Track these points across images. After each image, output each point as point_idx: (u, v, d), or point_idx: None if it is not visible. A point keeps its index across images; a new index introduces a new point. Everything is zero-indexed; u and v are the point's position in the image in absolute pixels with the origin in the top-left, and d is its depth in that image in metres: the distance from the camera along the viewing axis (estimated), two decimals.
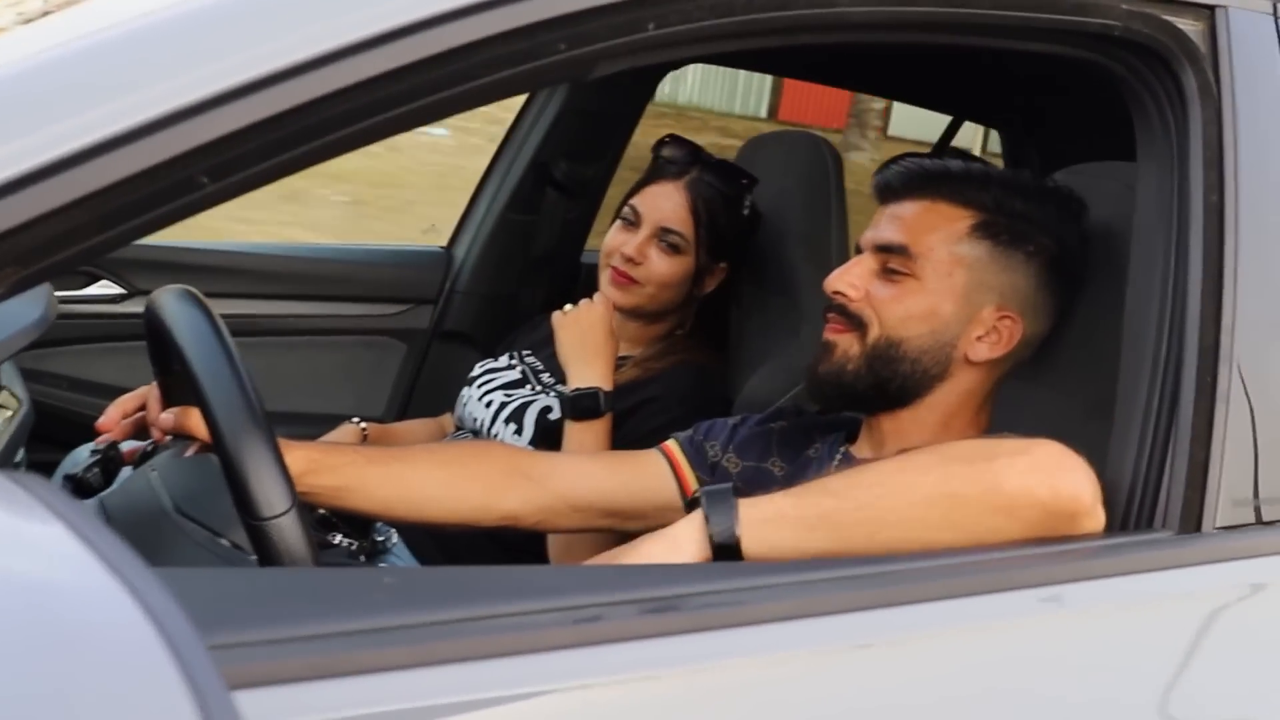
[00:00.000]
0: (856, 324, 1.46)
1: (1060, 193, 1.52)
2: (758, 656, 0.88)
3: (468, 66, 0.91)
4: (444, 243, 2.79)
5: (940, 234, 1.45)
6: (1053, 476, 1.11)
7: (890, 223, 1.48)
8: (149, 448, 1.42)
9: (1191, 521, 1.13)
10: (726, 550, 1.11)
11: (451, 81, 0.91)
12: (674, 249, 2.10)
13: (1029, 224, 1.47)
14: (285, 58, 0.84)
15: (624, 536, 1.34)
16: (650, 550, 1.13)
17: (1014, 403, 1.54)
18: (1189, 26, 1.26)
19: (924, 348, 1.44)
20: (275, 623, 0.79)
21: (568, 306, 2.05)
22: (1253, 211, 1.21)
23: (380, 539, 1.93)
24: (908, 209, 1.48)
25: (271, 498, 1.06)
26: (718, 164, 2.18)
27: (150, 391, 1.41)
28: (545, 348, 2.33)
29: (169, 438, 1.37)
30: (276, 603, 0.82)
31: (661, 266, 2.09)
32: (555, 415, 2.07)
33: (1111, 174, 1.65)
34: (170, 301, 1.19)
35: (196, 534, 1.22)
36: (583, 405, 1.93)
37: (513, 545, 2.04)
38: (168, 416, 1.33)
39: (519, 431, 2.10)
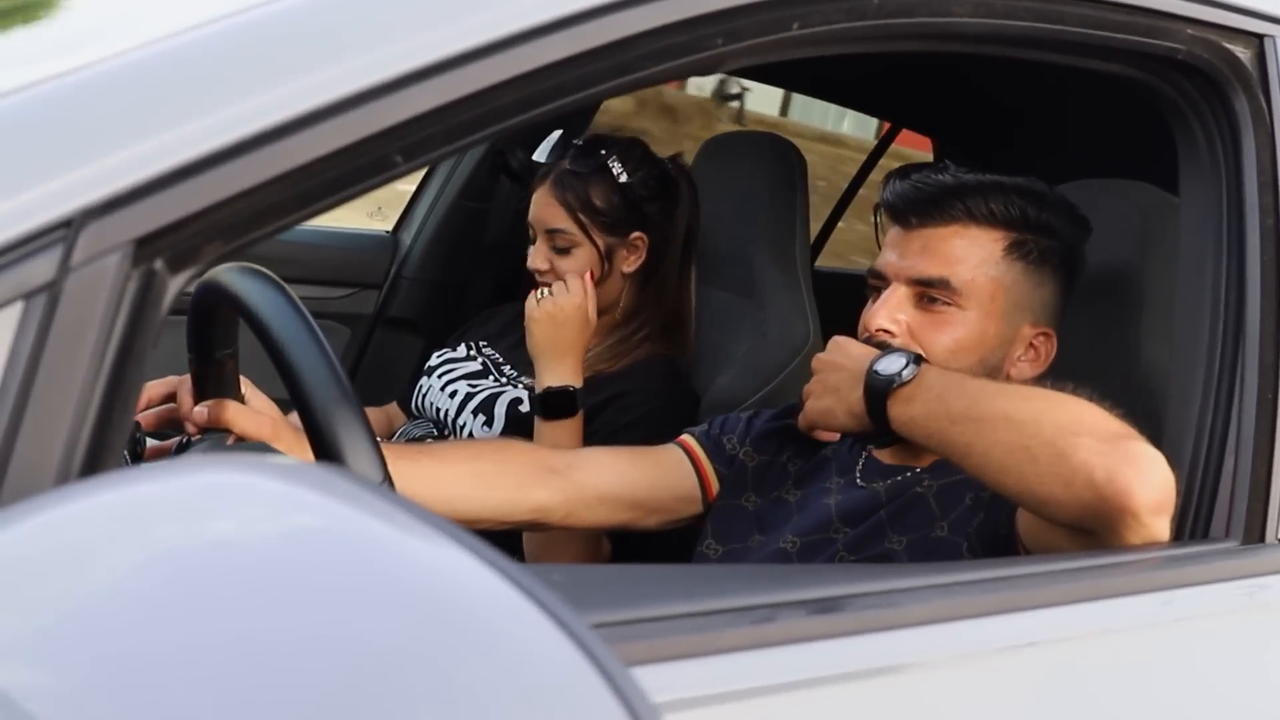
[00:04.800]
0: None
1: (1065, 198, 1.55)
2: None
3: (634, 58, 0.89)
4: (389, 227, 2.74)
5: (977, 261, 1.45)
6: (1116, 466, 1.10)
7: (924, 254, 1.46)
8: (184, 440, 1.35)
9: (1255, 533, 1.18)
10: (877, 398, 1.28)
11: (616, 72, 0.89)
12: (566, 249, 2.08)
13: (1051, 235, 1.49)
14: (474, 38, 0.82)
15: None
16: (834, 409, 1.36)
17: None
18: (1242, 53, 1.30)
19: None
20: None
21: (543, 291, 1.97)
22: None
23: None
24: (939, 237, 1.46)
25: (367, 472, 1.02)
26: (576, 149, 2.15)
27: (182, 382, 1.35)
28: (502, 340, 2.30)
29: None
30: None
31: (564, 266, 2.07)
32: (526, 408, 2.05)
33: (1116, 191, 1.71)
34: (240, 278, 1.14)
35: None
36: (557, 404, 1.88)
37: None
38: (202, 410, 1.27)
39: (489, 423, 2.07)
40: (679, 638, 0.80)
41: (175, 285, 0.72)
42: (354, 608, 0.49)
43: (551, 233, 2.09)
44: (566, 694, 0.47)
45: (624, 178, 2.10)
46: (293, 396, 1.06)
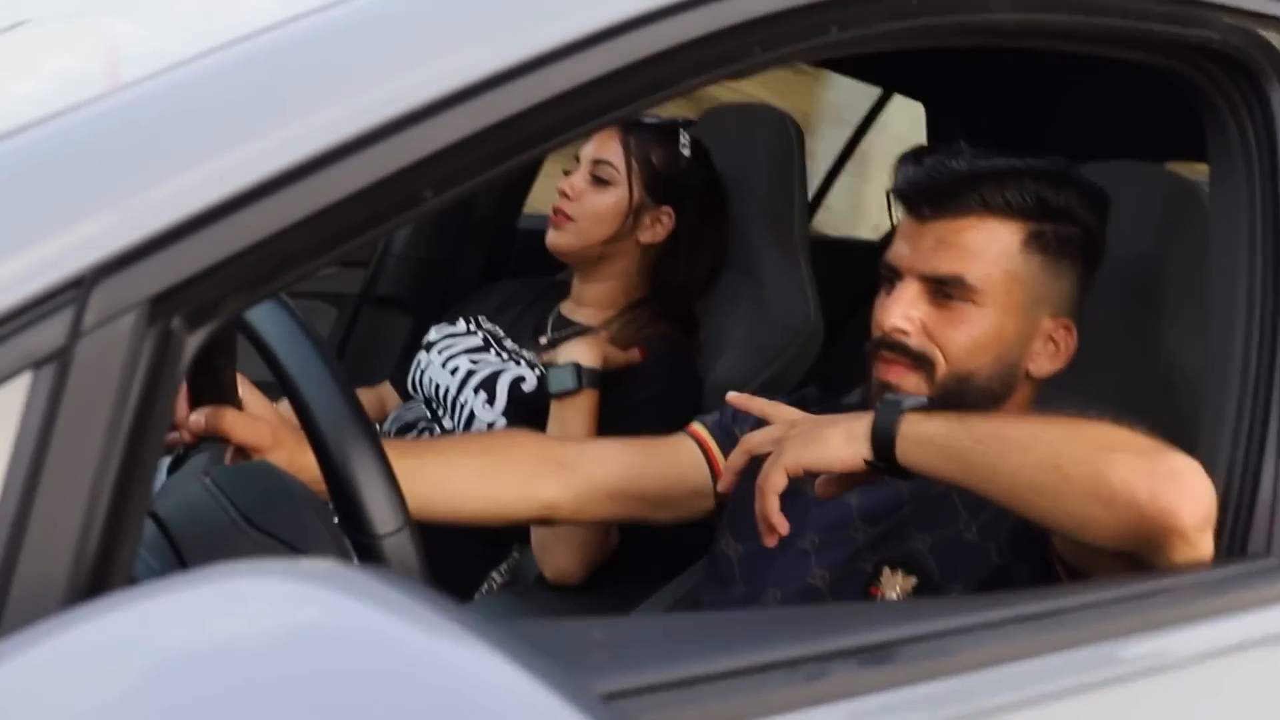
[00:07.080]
0: (921, 362, 1.39)
1: (1084, 178, 1.47)
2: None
3: (672, 71, 0.84)
4: None
5: (994, 255, 1.39)
6: (1159, 484, 1.07)
7: (938, 249, 1.40)
8: (180, 451, 1.30)
9: None
10: (884, 452, 1.19)
11: (653, 86, 0.84)
12: (604, 181, 2.08)
13: (1071, 221, 1.43)
14: (503, 60, 0.76)
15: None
16: (828, 435, 1.23)
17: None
18: (1278, 40, 1.25)
19: (993, 374, 1.39)
20: None
21: None
22: None
23: None
24: (954, 230, 1.40)
25: (385, 514, 0.97)
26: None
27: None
28: (501, 314, 2.25)
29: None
30: None
31: (592, 198, 2.08)
32: (529, 387, 2.01)
33: (1134, 175, 1.67)
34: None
35: (276, 550, 1.12)
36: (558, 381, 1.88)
37: (497, 535, 1.96)
38: (199, 418, 1.22)
39: (490, 401, 2.02)
40: (730, 700, 0.75)
41: (194, 343, 0.67)
42: (359, 706, 0.49)
43: (598, 162, 2.09)
44: None
45: (686, 150, 2.13)
46: (307, 433, 1.01)
